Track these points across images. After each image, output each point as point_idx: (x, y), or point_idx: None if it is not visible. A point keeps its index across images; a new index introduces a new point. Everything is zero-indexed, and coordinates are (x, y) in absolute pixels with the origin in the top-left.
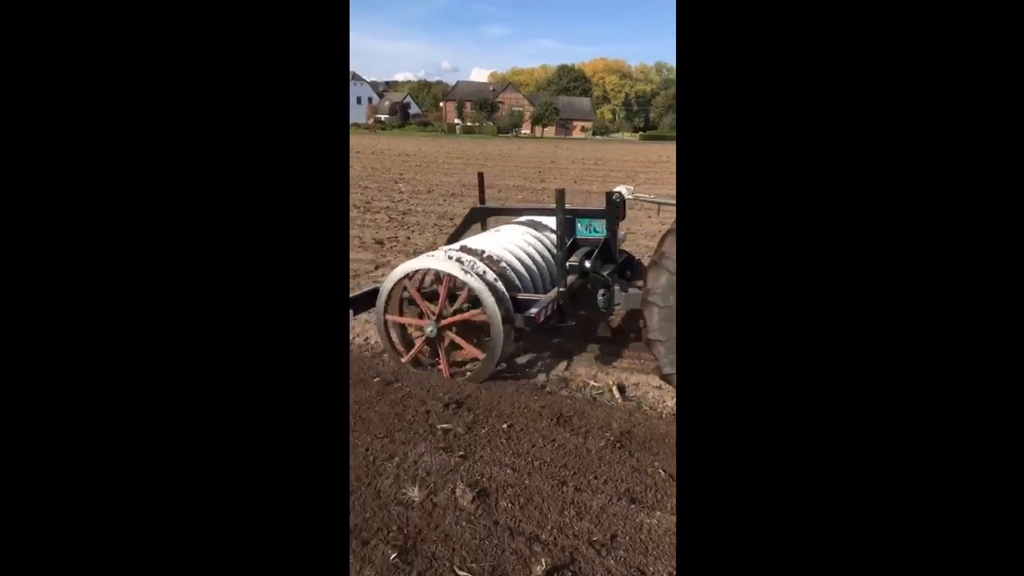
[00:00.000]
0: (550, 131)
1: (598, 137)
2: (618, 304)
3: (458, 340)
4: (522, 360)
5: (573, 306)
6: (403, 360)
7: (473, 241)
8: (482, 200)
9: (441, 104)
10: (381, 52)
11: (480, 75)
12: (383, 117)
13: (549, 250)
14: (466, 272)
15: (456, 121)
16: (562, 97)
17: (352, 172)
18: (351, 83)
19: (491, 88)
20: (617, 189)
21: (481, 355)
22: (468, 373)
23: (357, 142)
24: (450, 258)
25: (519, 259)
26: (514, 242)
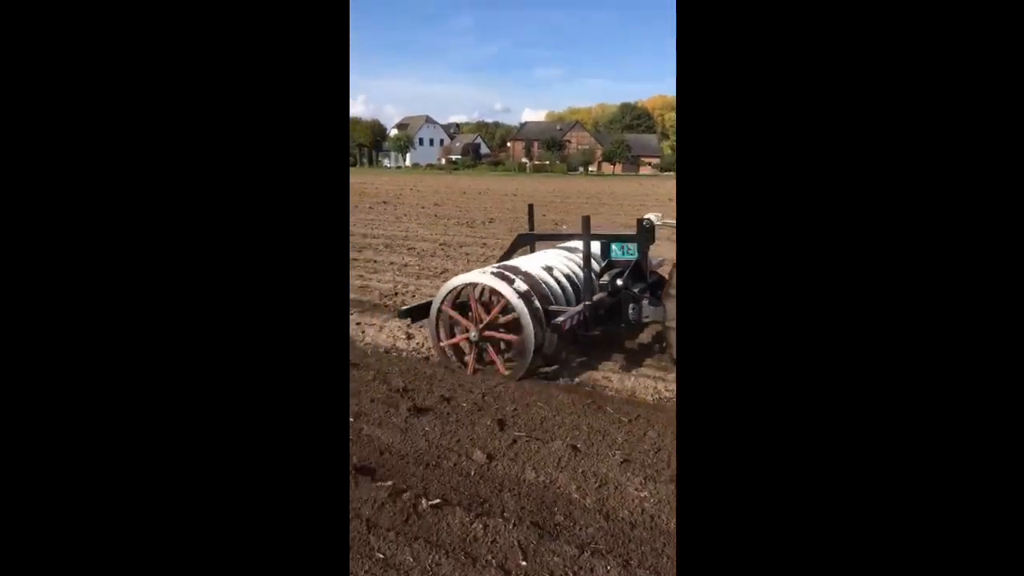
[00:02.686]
0: (618, 168)
1: (666, 173)
2: (647, 317)
3: (491, 352)
4: (567, 365)
5: (607, 320)
6: (444, 347)
7: (516, 261)
8: (531, 227)
9: (509, 144)
10: (438, 96)
11: (531, 115)
12: (455, 157)
13: (591, 271)
14: (504, 285)
15: (524, 160)
16: (629, 134)
17: (456, 212)
18: (425, 125)
19: (558, 127)
20: (647, 216)
21: (506, 372)
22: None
23: (439, 181)
24: (493, 274)
25: (554, 277)
26: (550, 262)
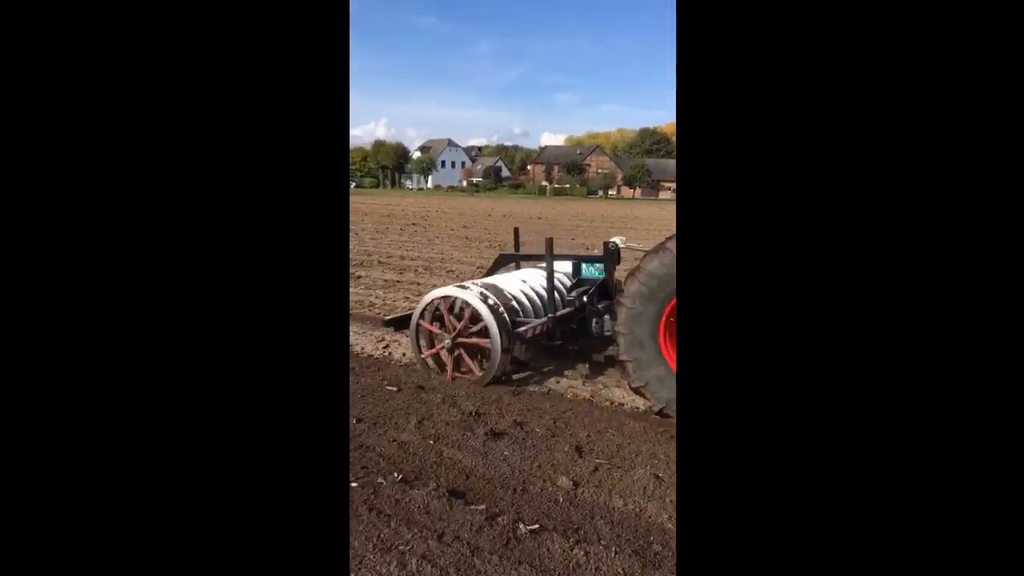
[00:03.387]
0: (638, 192)
1: None
2: (608, 331)
3: (465, 357)
4: (525, 373)
5: (576, 332)
6: (425, 358)
7: (493, 278)
8: (517, 248)
9: (529, 167)
10: (458, 120)
11: (550, 139)
12: (476, 180)
13: (553, 287)
14: (476, 298)
15: (544, 183)
16: (648, 159)
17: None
18: (448, 148)
19: (578, 151)
20: (613, 239)
21: (479, 373)
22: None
23: (462, 203)
24: (468, 288)
25: (524, 292)
26: (525, 279)
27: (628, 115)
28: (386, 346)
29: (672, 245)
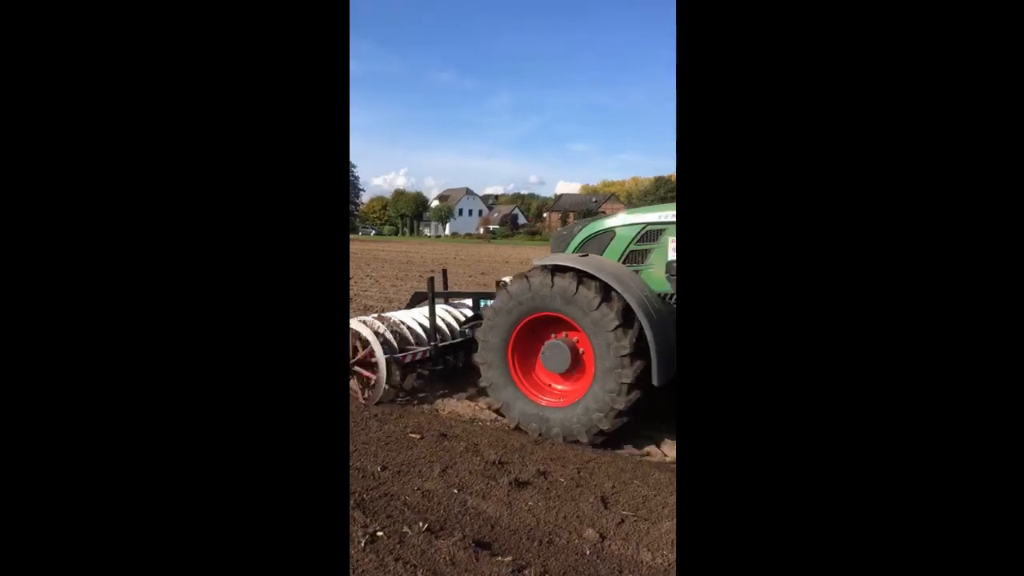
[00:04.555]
0: None
1: None
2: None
3: (354, 382)
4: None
5: (467, 358)
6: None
7: (396, 312)
8: (445, 287)
9: (545, 215)
10: (475, 169)
11: (565, 187)
12: (493, 227)
13: (456, 319)
14: (368, 329)
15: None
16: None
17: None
18: (465, 196)
19: (593, 199)
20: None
21: (367, 394)
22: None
23: (480, 251)
24: (363, 322)
25: (420, 324)
26: (423, 314)
27: (643, 164)
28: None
29: (534, 273)
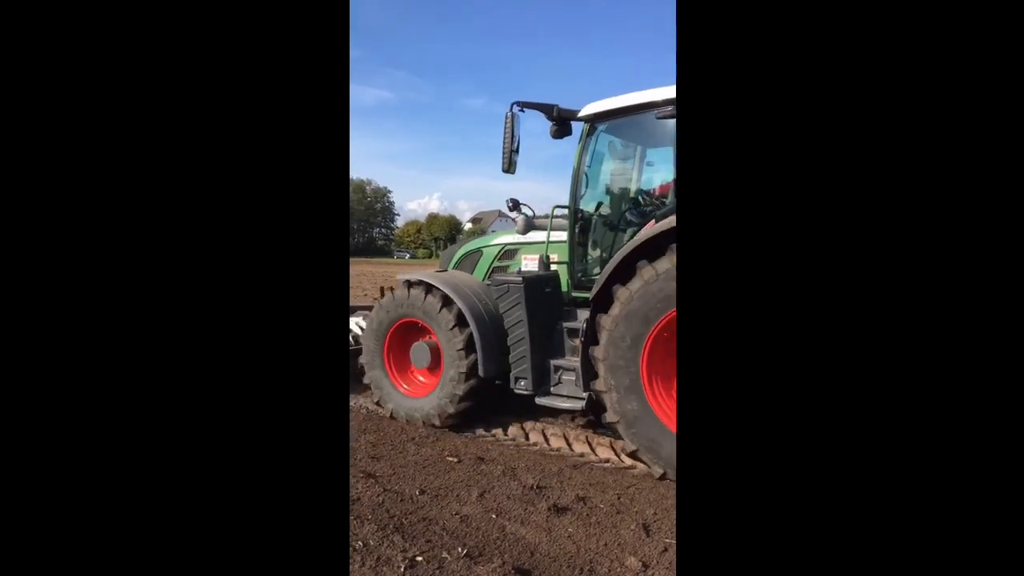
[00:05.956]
0: None
1: None
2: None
3: None
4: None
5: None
6: None
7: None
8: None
9: None
10: (508, 192)
11: None
12: None
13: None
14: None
15: None
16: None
17: None
18: (498, 219)
19: None
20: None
21: None
22: None
23: None
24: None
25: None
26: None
27: None
28: None
29: (399, 287)
